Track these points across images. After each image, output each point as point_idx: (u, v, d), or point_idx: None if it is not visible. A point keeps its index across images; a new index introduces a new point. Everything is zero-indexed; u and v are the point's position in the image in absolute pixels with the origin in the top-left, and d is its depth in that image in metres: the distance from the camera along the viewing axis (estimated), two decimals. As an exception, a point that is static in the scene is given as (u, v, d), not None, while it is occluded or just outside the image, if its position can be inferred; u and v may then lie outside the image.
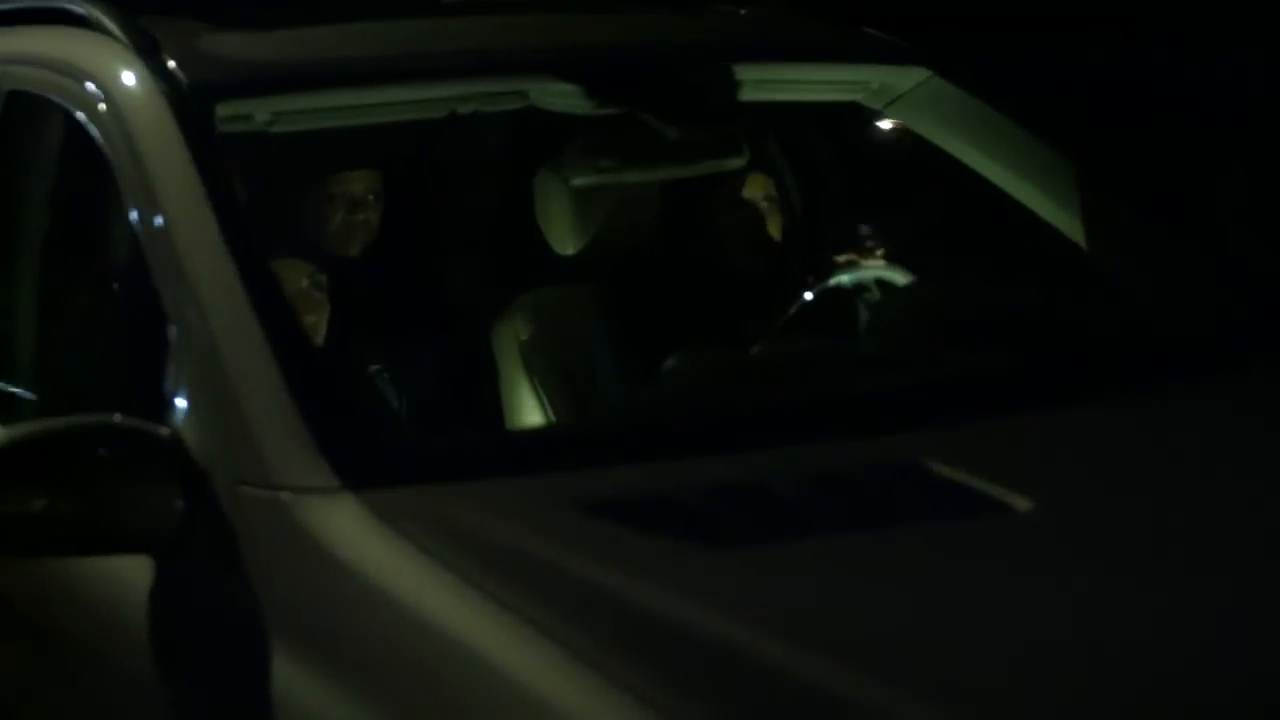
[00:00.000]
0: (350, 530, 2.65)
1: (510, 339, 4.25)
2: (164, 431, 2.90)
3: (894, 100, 4.01)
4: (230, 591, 2.74)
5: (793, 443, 2.84)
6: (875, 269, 4.17)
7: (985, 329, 3.42)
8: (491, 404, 4.21)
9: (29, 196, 3.66)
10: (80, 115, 3.37)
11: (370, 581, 2.58)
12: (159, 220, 3.10)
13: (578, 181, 3.89)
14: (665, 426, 2.92)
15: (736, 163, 3.96)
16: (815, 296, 4.06)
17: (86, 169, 3.50)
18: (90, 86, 3.37)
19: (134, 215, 3.16)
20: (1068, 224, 3.78)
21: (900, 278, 4.15)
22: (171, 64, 3.35)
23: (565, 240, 4.24)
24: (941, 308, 3.48)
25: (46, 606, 3.05)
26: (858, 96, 4.04)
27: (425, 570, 2.55)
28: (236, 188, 3.22)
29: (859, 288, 4.13)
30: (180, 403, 2.94)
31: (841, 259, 4.16)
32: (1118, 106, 7.77)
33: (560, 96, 3.68)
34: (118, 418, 2.89)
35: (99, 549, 2.87)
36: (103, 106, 3.32)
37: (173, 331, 3.01)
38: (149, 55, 3.38)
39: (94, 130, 3.32)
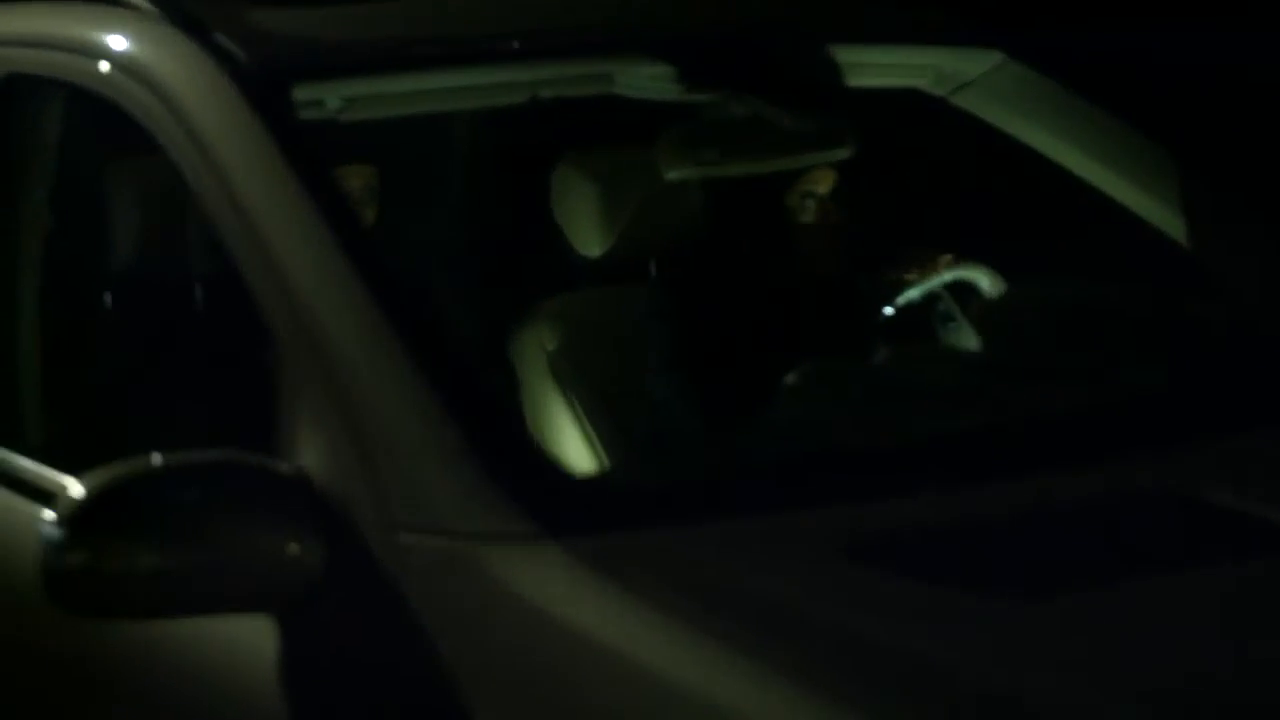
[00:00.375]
0: (566, 586, 2.26)
1: (535, 349, 3.88)
2: (285, 468, 2.49)
3: (961, 86, 3.69)
4: (397, 656, 2.35)
5: (1029, 473, 2.50)
6: (943, 275, 3.85)
7: (1130, 333, 3.13)
8: (515, 420, 3.82)
9: (36, 197, 3.20)
10: (126, 105, 2.90)
11: (602, 646, 2.20)
12: (251, 228, 2.66)
13: (672, 175, 3.51)
14: (879, 458, 2.56)
15: (841, 154, 3.61)
16: (894, 311, 3.74)
17: (119, 164, 3.08)
18: (131, 70, 2.91)
19: (216, 222, 2.72)
20: (1166, 219, 3.50)
21: (980, 277, 3.82)
22: (229, 44, 2.92)
23: (591, 240, 3.87)
24: (1089, 314, 3.16)
25: (151, 676, 2.61)
26: (920, 82, 3.72)
27: (667, 631, 2.18)
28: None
29: (930, 298, 3.80)
30: (300, 434, 2.53)
31: (909, 275, 3.84)
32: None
33: (648, 80, 3.30)
34: (232, 454, 2.47)
35: (222, 608, 2.45)
36: (150, 94, 2.86)
37: (281, 352, 2.59)
38: (198, 34, 2.94)
39: (146, 121, 2.86)
